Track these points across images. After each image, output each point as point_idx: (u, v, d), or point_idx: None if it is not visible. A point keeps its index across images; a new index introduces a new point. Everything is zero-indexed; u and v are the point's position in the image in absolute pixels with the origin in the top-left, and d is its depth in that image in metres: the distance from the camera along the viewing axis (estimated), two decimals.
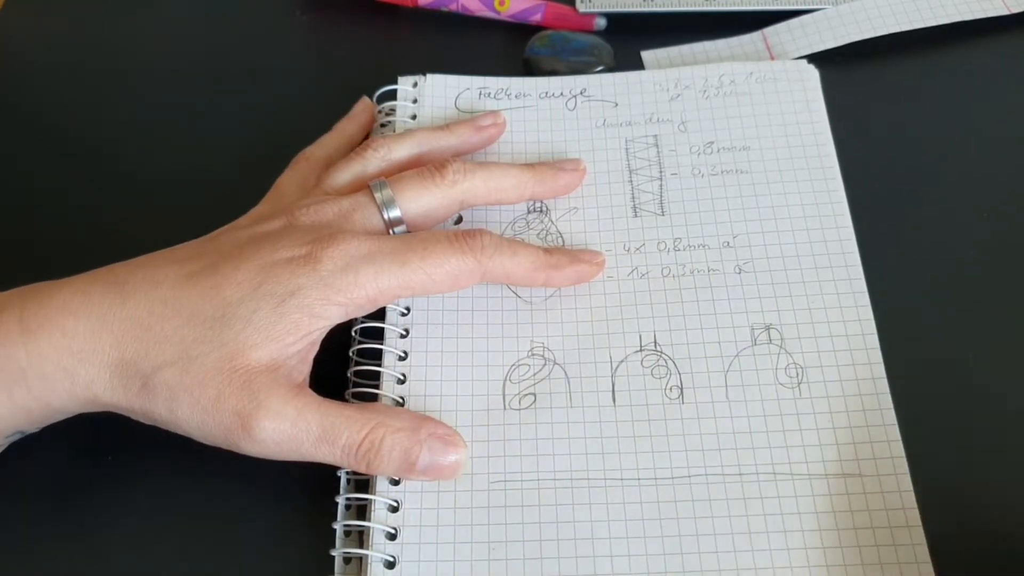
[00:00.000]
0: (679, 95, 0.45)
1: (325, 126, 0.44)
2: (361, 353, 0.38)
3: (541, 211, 0.42)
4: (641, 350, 0.37)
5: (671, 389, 0.36)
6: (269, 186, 0.40)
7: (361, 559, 0.33)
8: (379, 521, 0.33)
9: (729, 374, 0.36)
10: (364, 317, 0.38)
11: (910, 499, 0.33)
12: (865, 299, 0.38)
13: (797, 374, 0.36)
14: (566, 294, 0.39)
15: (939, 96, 0.46)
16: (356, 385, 0.37)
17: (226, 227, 0.37)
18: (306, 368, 0.34)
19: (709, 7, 0.49)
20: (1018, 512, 0.34)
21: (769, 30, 0.48)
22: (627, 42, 0.49)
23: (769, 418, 0.35)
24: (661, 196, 0.42)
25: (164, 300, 0.33)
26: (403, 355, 0.37)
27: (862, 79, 0.47)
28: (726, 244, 0.40)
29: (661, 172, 0.42)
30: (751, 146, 0.43)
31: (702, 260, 0.39)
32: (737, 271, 0.39)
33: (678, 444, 0.35)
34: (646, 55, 0.49)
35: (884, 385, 0.36)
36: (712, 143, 0.43)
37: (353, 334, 0.38)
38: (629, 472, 0.34)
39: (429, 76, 0.46)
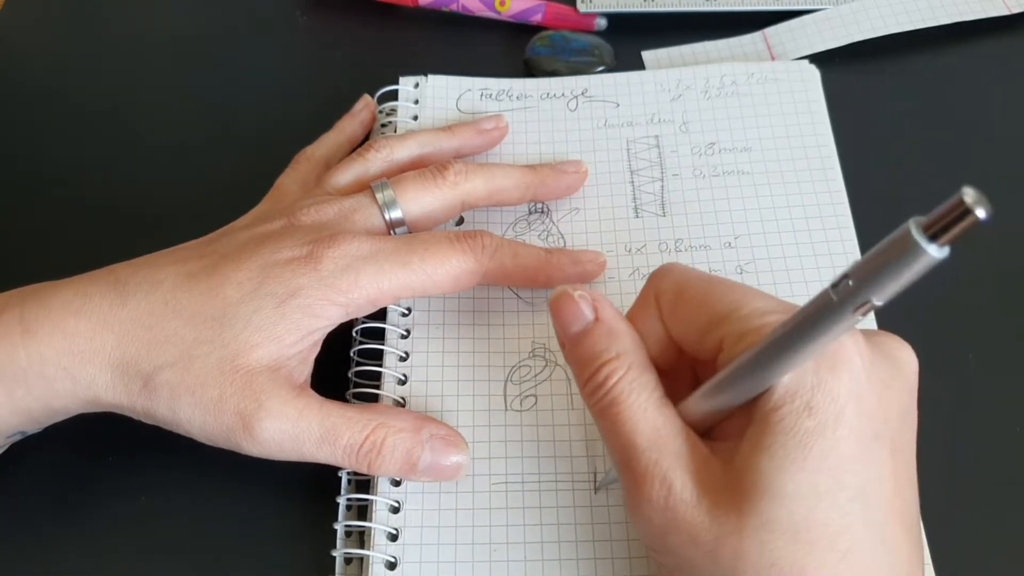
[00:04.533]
0: (680, 95, 0.45)
1: (325, 126, 0.44)
2: (362, 353, 0.38)
3: (542, 212, 0.42)
4: None
5: None
6: (269, 186, 0.40)
7: (362, 560, 0.33)
8: (380, 522, 0.33)
9: None
10: (365, 317, 0.38)
11: None
12: None
13: None
14: None
15: (939, 96, 0.46)
16: (357, 385, 0.37)
17: (227, 227, 0.37)
18: (307, 369, 0.34)
19: (709, 7, 0.49)
20: (1019, 511, 0.34)
21: (770, 30, 0.48)
22: (627, 42, 0.49)
23: None
24: (662, 197, 0.42)
25: (165, 300, 0.33)
26: (404, 356, 0.37)
27: (862, 79, 0.47)
28: (727, 245, 0.40)
29: (662, 173, 0.42)
30: (752, 147, 0.43)
31: (703, 261, 0.39)
32: (738, 272, 0.39)
33: None
34: (646, 55, 0.49)
35: None
36: (713, 144, 0.43)
37: (354, 334, 0.38)
38: None
39: (431, 77, 0.46)
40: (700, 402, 0.28)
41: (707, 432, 0.28)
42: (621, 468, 0.28)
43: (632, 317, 0.30)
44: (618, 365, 0.28)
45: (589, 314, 0.29)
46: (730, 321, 0.27)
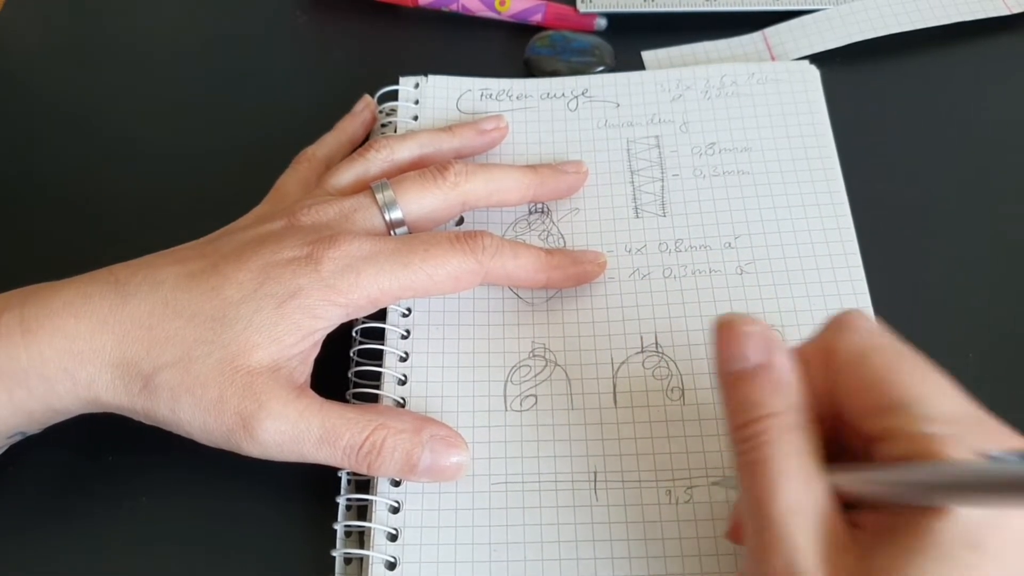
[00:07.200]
0: (680, 95, 0.45)
1: (325, 126, 0.44)
2: (362, 354, 0.38)
3: (543, 212, 0.42)
4: (642, 351, 0.37)
5: (672, 390, 0.36)
6: (270, 186, 0.40)
7: (362, 560, 0.33)
8: (380, 522, 0.33)
9: None
10: (365, 318, 0.38)
11: None
12: (866, 300, 0.38)
13: None
14: (567, 295, 0.39)
15: (939, 96, 0.46)
16: (357, 386, 0.37)
17: (227, 228, 0.37)
18: (307, 369, 0.34)
19: (709, 7, 0.49)
20: None
21: (770, 30, 0.48)
22: (627, 42, 0.49)
23: None
24: (663, 197, 0.42)
25: (165, 301, 0.33)
26: (404, 356, 0.37)
27: (862, 79, 0.47)
28: (727, 245, 0.40)
29: (663, 173, 0.42)
30: (752, 147, 0.43)
31: (703, 261, 0.39)
32: (739, 272, 0.39)
33: (679, 446, 0.35)
34: (646, 55, 0.49)
35: None
36: (714, 144, 0.43)
37: (354, 335, 0.38)
38: (630, 474, 0.34)
39: (431, 77, 0.46)
40: (852, 482, 0.25)
41: (854, 505, 0.26)
42: (750, 526, 0.26)
43: (800, 358, 0.27)
44: (774, 424, 0.26)
45: (756, 357, 0.27)
46: (905, 416, 0.25)
